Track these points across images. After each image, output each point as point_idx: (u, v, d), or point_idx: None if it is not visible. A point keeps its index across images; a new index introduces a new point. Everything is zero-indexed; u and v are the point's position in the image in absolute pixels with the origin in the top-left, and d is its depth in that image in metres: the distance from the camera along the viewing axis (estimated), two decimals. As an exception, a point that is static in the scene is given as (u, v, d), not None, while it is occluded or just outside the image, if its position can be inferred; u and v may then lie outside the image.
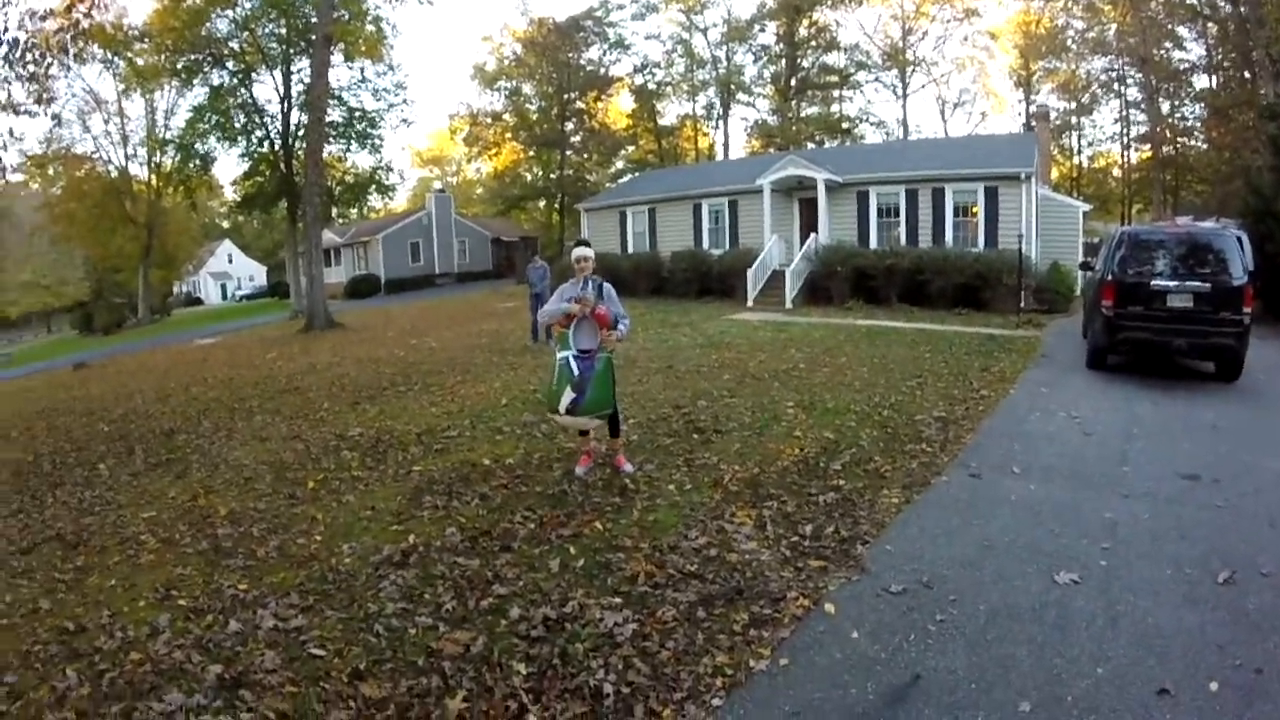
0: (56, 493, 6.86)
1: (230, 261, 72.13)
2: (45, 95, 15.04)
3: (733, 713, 3.13)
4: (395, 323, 22.04)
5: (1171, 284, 9.56)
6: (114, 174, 40.22)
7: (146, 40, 27.86)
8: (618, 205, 28.44)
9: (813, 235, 21.42)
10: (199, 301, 67.14)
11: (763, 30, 50.69)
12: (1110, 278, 9.95)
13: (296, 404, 9.95)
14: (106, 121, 39.49)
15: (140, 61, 28.42)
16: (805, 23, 50.00)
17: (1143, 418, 8.00)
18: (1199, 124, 41.82)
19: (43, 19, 13.59)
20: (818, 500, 5.44)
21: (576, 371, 5.51)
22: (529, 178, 51.74)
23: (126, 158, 40.75)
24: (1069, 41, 46.00)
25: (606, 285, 5.87)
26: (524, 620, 3.73)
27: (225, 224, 74.72)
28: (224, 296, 67.71)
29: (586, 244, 6.04)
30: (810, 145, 45.31)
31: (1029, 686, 3.28)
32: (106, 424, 9.97)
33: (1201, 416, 8.02)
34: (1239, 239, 9.88)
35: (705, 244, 24.77)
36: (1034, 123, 30.32)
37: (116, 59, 26.96)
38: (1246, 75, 35.25)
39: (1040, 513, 5.27)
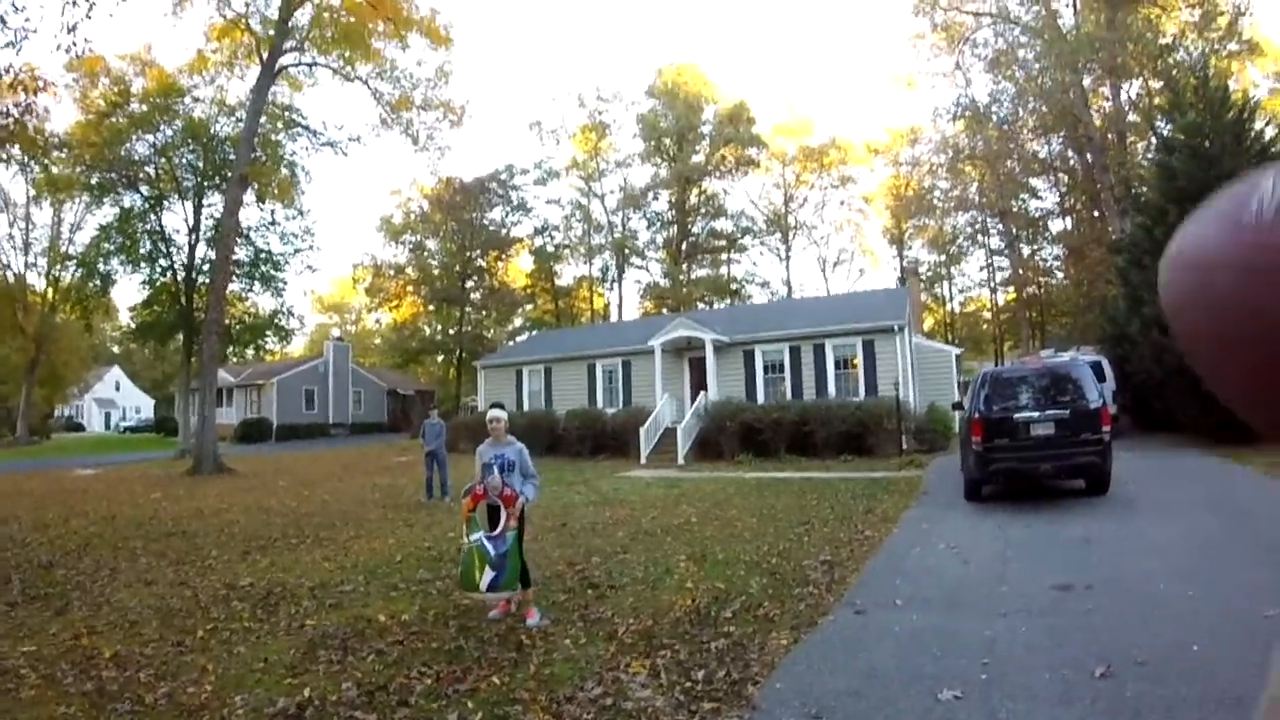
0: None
1: (118, 389, 68.87)
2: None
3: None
4: (287, 471, 21.43)
5: (1034, 414, 10.39)
6: (10, 279, 38.87)
7: (65, 150, 27.53)
8: (515, 364, 29.02)
9: (702, 393, 22.28)
10: (80, 428, 63.30)
11: (656, 198, 54.30)
12: (977, 415, 10.70)
13: (183, 549, 9.60)
14: (11, 224, 38.59)
15: (55, 170, 27.94)
16: (695, 191, 53.80)
17: (1017, 540, 8.54)
18: (1057, 263, 46.46)
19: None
20: (709, 647, 5.59)
21: (492, 551, 5.81)
22: (428, 331, 52.26)
23: (26, 265, 39.73)
24: (935, 200, 50.66)
25: (522, 447, 6.30)
26: (425, 775, 3.73)
27: (116, 349, 71.53)
28: (107, 426, 64.08)
29: (500, 406, 6.52)
30: (701, 305, 47.74)
31: None
32: None
33: (1073, 531, 8.63)
34: (1095, 364, 10.96)
35: (600, 402, 25.38)
36: (906, 278, 32.96)
37: (33, 163, 26.46)
38: (1096, 214, 39.53)
39: (922, 639, 5.53)
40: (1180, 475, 11.82)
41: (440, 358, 53.08)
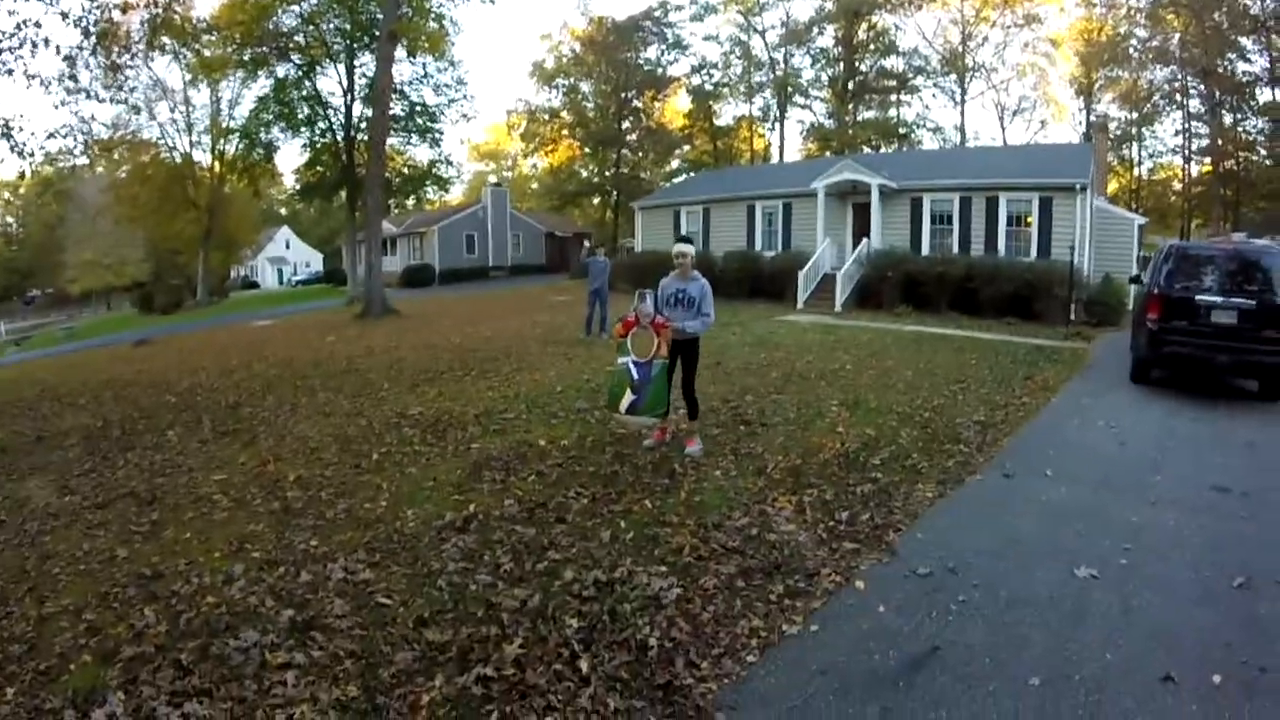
0: (128, 455, 7.25)
1: (288, 247, 73.78)
2: (121, 84, 15.86)
3: (765, 668, 3.46)
4: (450, 312, 22.60)
5: (1218, 299, 9.57)
6: (178, 160, 41.57)
7: (214, 33, 28.90)
8: (672, 204, 28.74)
9: (865, 240, 21.50)
10: (255, 285, 68.80)
11: (821, 33, 50.58)
12: (1156, 291, 9.99)
13: (357, 384, 10.39)
14: (173, 109, 40.91)
15: (207, 53, 29.48)
16: (864, 26, 49.74)
17: (1179, 431, 8.10)
18: (1262, 138, 40.71)
19: (123, 11, 14.32)
20: (855, 490, 5.72)
21: (635, 376, 6.06)
22: (584, 174, 52.40)
23: (191, 144, 42.17)
24: (1131, 50, 45.07)
25: (706, 284, 6.41)
26: (576, 581, 4.09)
27: (284, 210, 76.48)
28: (280, 281, 69.24)
29: (688, 240, 6.57)
30: (866, 150, 45.11)
31: (1041, 665, 3.52)
32: (173, 395, 10.44)
33: (1238, 433, 8.07)
34: None
35: (758, 245, 24.93)
36: (1092, 133, 29.88)
37: (184, 50, 28.01)
38: None
39: (1067, 513, 5.46)
40: None
41: (596, 200, 53.35)
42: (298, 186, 37.54)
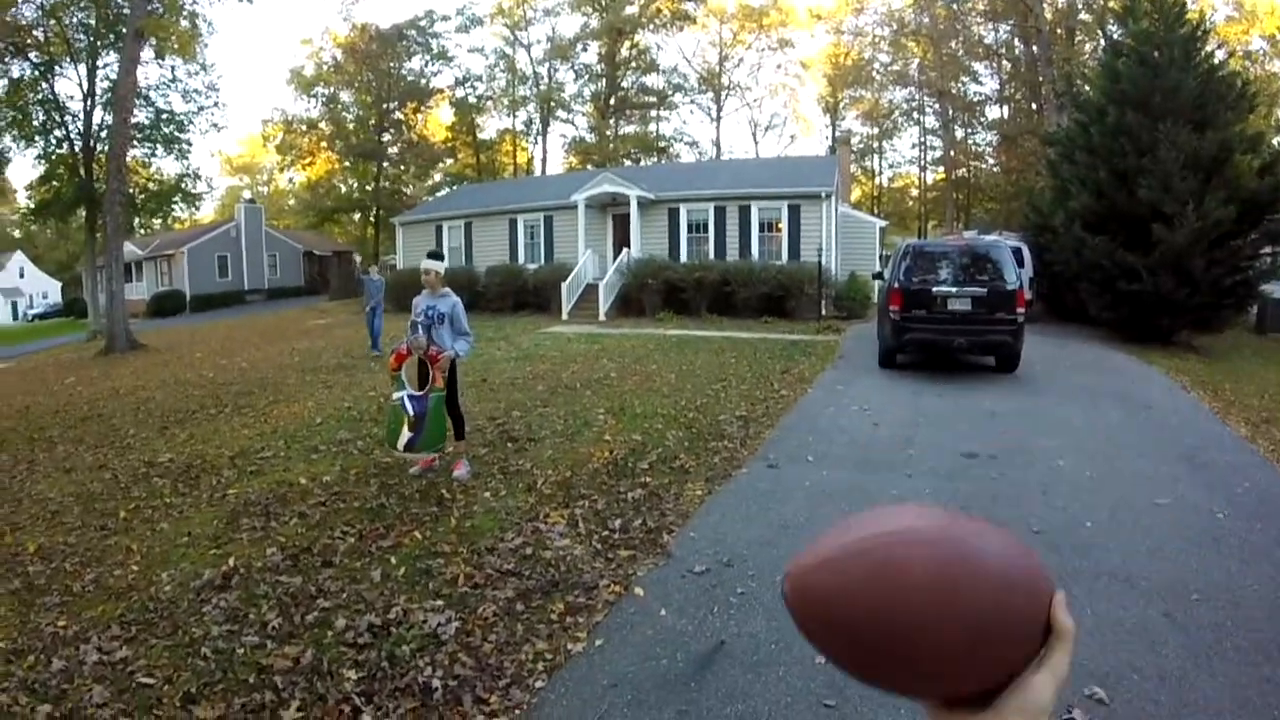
0: None
1: (21, 276, 64.72)
2: None
3: (554, 691, 3.41)
4: (203, 342, 20.80)
5: (952, 290, 10.69)
6: None
7: None
8: (434, 219, 28.21)
9: (625, 250, 22.14)
10: None
11: (585, 50, 51.61)
12: (897, 285, 10.97)
13: (100, 431, 9.31)
14: None
15: None
16: (627, 44, 51.37)
17: (928, 408, 8.93)
18: (989, 149, 46.56)
19: None
20: (626, 497, 5.83)
21: (412, 411, 5.82)
22: (344, 189, 49.86)
23: None
24: (874, 73, 49.82)
25: (456, 300, 6.20)
26: (350, 629, 3.85)
27: (17, 233, 67.09)
28: (14, 316, 60.60)
29: (438, 256, 6.33)
30: (627, 163, 46.58)
31: None
32: None
33: (981, 405, 9.03)
34: (1016, 249, 11.25)
35: (521, 259, 25.02)
36: (837, 146, 32.75)
37: None
38: (1033, 106, 39.66)
39: (832, 494, 5.88)
40: (1088, 365, 12.31)
41: (357, 216, 50.93)
42: (31, 204, 32.74)
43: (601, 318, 20.12)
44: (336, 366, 13.40)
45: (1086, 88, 21.45)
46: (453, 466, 6.37)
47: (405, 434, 5.82)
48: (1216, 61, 16.53)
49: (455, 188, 43.32)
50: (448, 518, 5.41)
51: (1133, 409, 8.98)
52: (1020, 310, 10.57)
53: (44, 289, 64.39)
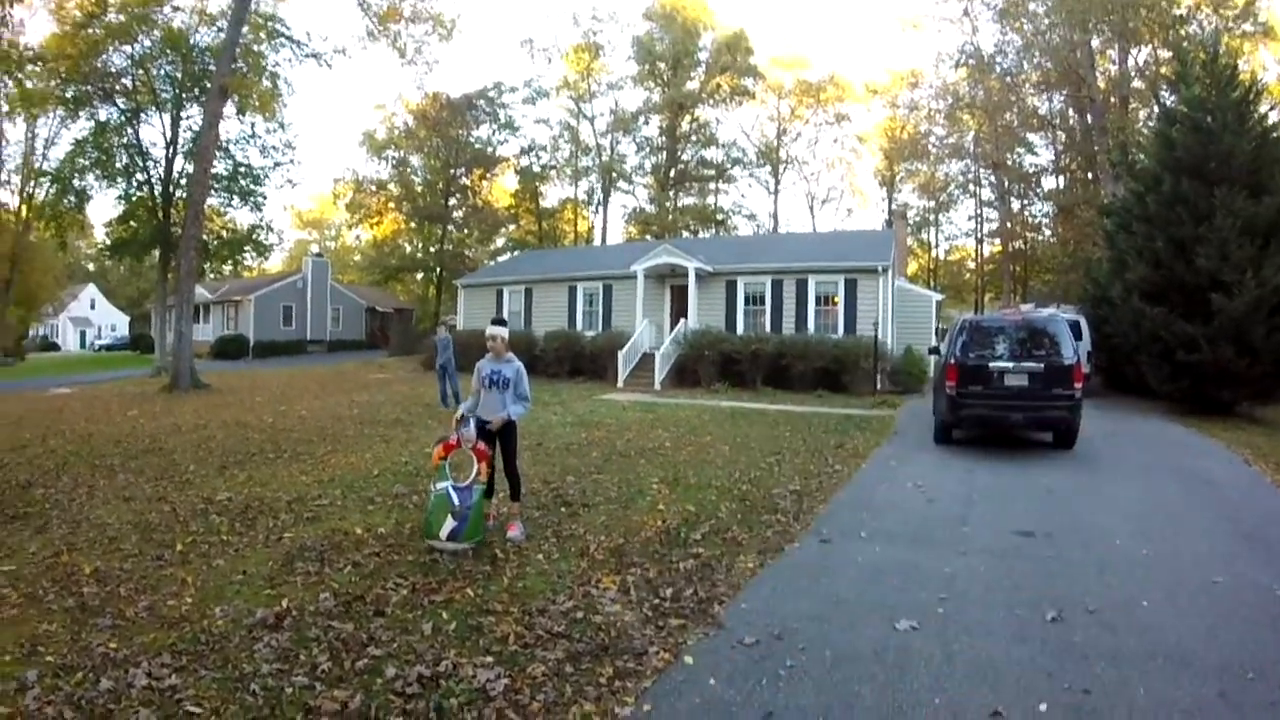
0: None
1: (93, 308, 67.72)
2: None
3: (601, 755, 3.37)
4: (264, 387, 21.38)
5: (1009, 365, 10.56)
6: None
7: (40, 64, 26.47)
8: (495, 283, 28.90)
9: (682, 320, 22.41)
10: (55, 347, 62.44)
11: (647, 123, 53.41)
12: (953, 360, 10.87)
13: (161, 465, 9.59)
14: None
15: (29, 84, 26.89)
16: (687, 119, 52.88)
17: (983, 485, 8.75)
18: (1046, 220, 46.25)
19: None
20: (678, 566, 5.78)
21: (457, 501, 5.88)
22: (408, 249, 51.55)
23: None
24: (930, 146, 50.08)
25: (520, 366, 6.35)
26: (399, 678, 3.85)
27: (91, 266, 70.20)
28: (82, 345, 63.20)
29: (503, 322, 6.49)
30: (685, 234, 47.46)
31: (872, 717, 3.63)
32: None
33: (1038, 481, 8.84)
34: (1074, 323, 11.09)
35: (579, 325, 25.42)
36: (893, 220, 32.86)
37: (6, 78, 25.41)
38: (1089, 176, 39.38)
39: (884, 570, 5.76)
40: (1147, 439, 12.04)
41: (420, 275, 52.48)
42: (108, 241, 34.28)
43: (657, 387, 20.28)
44: (394, 421, 13.64)
45: (1141, 156, 21.25)
46: (507, 527, 6.44)
47: (449, 523, 5.85)
48: (1270, 123, 16.24)
49: (517, 253, 44.47)
50: (500, 577, 5.43)
51: (1192, 485, 8.76)
52: (1078, 385, 10.40)
53: (113, 322, 67.04)
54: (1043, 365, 10.47)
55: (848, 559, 6.10)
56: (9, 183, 38.29)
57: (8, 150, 37.75)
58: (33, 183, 36.80)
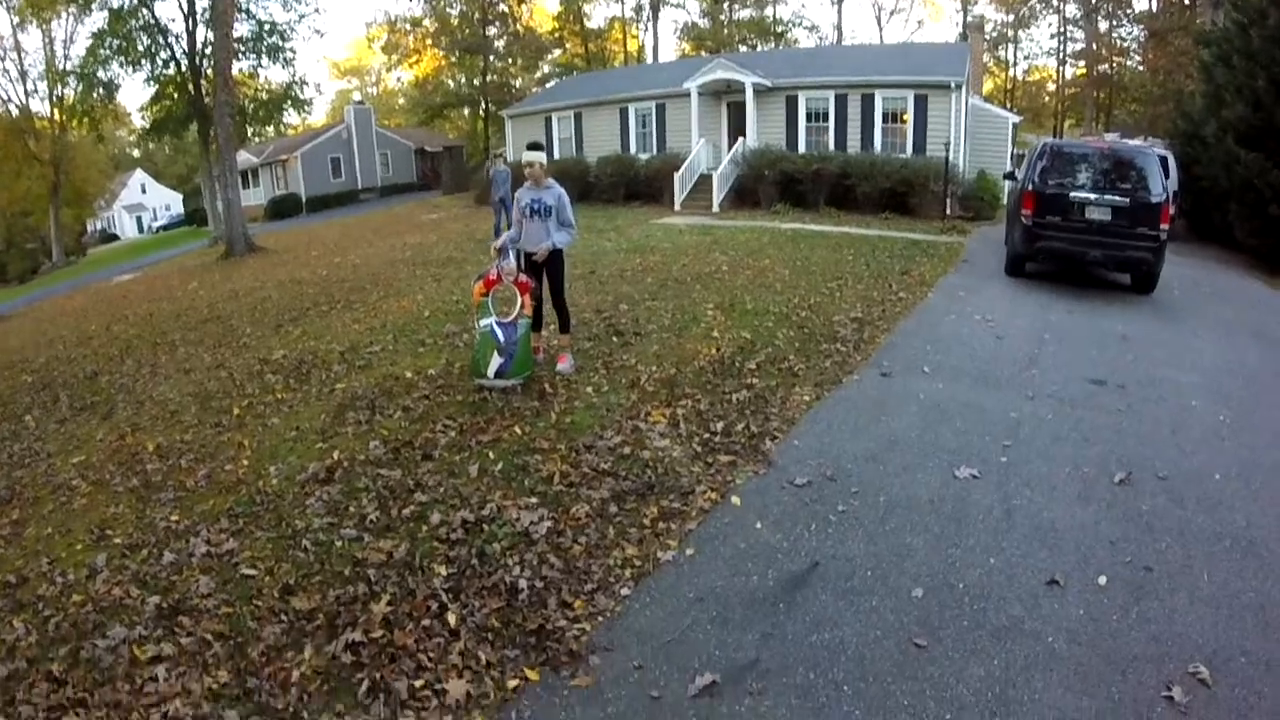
0: (-15, 450, 6.52)
1: (144, 192, 68.16)
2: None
3: (640, 600, 3.31)
4: (318, 241, 21.42)
5: (1090, 196, 9.76)
6: (15, 113, 37.69)
7: None
8: (543, 111, 27.65)
9: (740, 139, 21.17)
10: (115, 237, 63.19)
11: (698, -74, 49.03)
12: (1030, 188, 10.11)
13: (218, 333, 9.68)
14: (2, 58, 36.84)
15: None
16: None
17: (1055, 324, 8.25)
18: (1135, 45, 42.16)
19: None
20: (731, 399, 5.60)
21: (501, 338, 5.67)
22: (451, 85, 49.71)
23: (27, 94, 38.53)
24: (1013, -51, 45.55)
25: (561, 192, 5.97)
26: (444, 524, 3.84)
27: (136, 153, 70.55)
28: (140, 229, 63.96)
29: (539, 147, 6.03)
30: (743, 49, 44.46)
31: (923, 574, 3.50)
32: (29, 374, 9.45)
33: (1112, 326, 8.29)
34: (1163, 158, 10.11)
35: (632, 148, 24.32)
36: (968, 33, 30.22)
37: None
38: (1185, 1, 35.48)
39: (946, 411, 5.50)
40: (1229, 294, 11.17)
41: (466, 111, 50.69)
42: (146, 125, 34.24)
43: (715, 209, 19.49)
44: (446, 260, 13.44)
45: None
46: (557, 359, 6.29)
47: (496, 360, 5.66)
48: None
49: (564, 79, 42.47)
50: (548, 413, 5.32)
51: (1274, 352, 8.04)
52: (1164, 226, 9.58)
53: (166, 202, 67.40)
54: (1128, 200, 9.63)
55: (909, 395, 5.85)
56: (37, 91, 38.06)
57: (28, 60, 37.34)
58: (60, 85, 36.21)
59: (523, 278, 5.90)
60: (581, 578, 3.45)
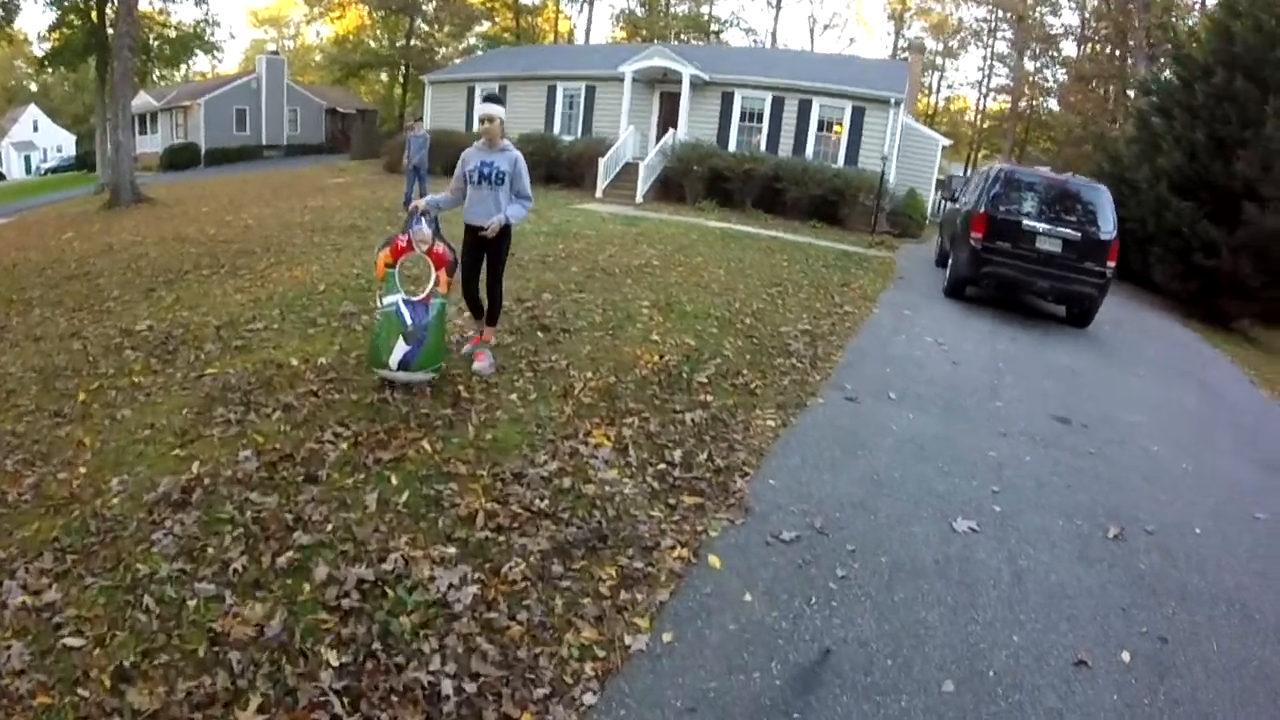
0: None
1: (35, 130, 62.37)
2: None
3: (610, 713, 2.46)
4: (211, 197, 19.55)
5: (1043, 227, 9.49)
6: None
7: None
8: (467, 80, 26.20)
9: (671, 131, 20.47)
10: (0, 176, 58.21)
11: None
12: (983, 210, 9.78)
13: (82, 293, 8.25)
14: None
15: None
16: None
17: (1005, 353, 7.94)
18: (1059, 86, 43.49)
19: None
20: (684, 419, 4.80)
21: (409, 320, 4.57)
22: (373, 45, 47.11)
23: None
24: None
25: (518, 156, 4.94)
26: (333, 583, 2.88)
27: (33, 87, 64.82)
28: (28, 170, 58.66)
29: (497, 100, 5.03)
30: (676, 42, 43.79)
31: (948, 660, 2.92)
32: None
33: (1058, 359, 8.09)
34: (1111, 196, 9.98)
35: (556, 129, 23.30)
36: (909, 53, 30.23)
37: None
38: (1114, 52, 36.64)
39: (924, 447, 4.99)
40: (1154, 334, 11.38)
41: (385, 76, 48.46)
42: (43, 55, 30.86)
43: (639, 199, 18.71)
44: (349, 228, 12.04)
45: (1193, 43, 19.24)
46: (474, 357, 5.26)
47: (401, 347, 4.58)
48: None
49: (492, 50, 40.75)
50: (465, 425, 4.35)
51: (1206, 395, 8.11)
52: (1111, 264, 9.46)
53: (59, 143, 62.16)
54: (1079, 235, 9.45)
55: (881, 426, 5.23)
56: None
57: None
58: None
59: (440, 247, 4.78)
60: (526, 676, 2.55)
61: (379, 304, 4.77)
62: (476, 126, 4.95)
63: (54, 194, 30.22)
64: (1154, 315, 13.15)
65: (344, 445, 3.99)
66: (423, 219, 4.78)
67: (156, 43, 29.03)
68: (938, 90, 53.88)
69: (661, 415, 4.82)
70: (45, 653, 2.53)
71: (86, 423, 4.44)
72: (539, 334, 6.24)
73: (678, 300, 7.80)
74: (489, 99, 5.00)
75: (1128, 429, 6.07)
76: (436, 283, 4.74)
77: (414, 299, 4.68)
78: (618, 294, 7.86)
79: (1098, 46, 40.34)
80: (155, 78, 33.17)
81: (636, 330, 6.59)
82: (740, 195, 18.45)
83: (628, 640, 2.76)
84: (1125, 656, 3.09)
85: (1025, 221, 9.56)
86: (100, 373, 5.32)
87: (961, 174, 34.63)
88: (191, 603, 2.77)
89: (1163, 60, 22.62)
